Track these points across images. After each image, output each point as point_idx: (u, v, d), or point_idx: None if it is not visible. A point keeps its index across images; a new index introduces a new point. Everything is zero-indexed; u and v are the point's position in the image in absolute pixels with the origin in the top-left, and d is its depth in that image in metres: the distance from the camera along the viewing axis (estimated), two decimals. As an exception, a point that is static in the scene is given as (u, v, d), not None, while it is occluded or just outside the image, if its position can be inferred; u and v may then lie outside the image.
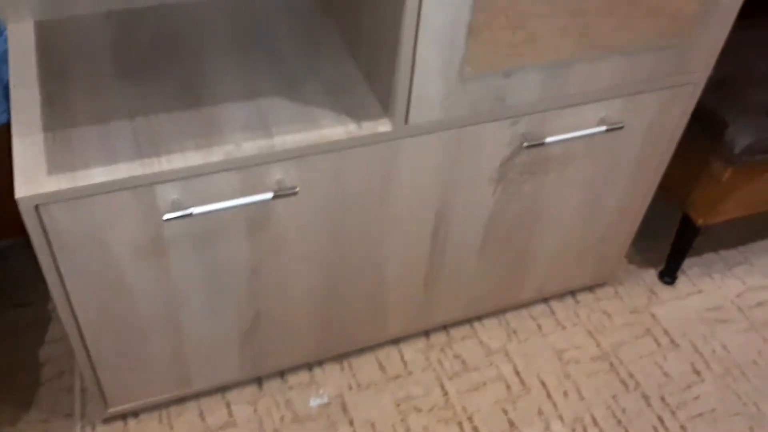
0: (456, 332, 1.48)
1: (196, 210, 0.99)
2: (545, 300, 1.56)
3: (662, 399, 1.41)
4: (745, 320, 1.56)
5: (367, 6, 1.04)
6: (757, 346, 1.51)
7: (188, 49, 1.14)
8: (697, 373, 1.46)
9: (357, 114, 1.06)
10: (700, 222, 1.48)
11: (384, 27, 0.99)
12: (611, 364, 1.46)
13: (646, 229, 1.70)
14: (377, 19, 1.01)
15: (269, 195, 1.02)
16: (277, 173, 1.02)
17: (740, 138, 1.34)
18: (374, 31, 1.04)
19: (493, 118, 1.10)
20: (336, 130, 1.03)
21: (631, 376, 1.44)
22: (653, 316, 1.55)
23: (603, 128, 1.17)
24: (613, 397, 1.41)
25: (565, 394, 1.40)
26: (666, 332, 1.52)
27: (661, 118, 1.24)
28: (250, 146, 0.99)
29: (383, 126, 1.04)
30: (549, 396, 1.40)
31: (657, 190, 1.41)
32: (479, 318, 1.51)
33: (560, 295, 1.57)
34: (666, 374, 1.45)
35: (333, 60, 1.14)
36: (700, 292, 1.61)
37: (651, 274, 1.63)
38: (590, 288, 1.59)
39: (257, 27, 1.20)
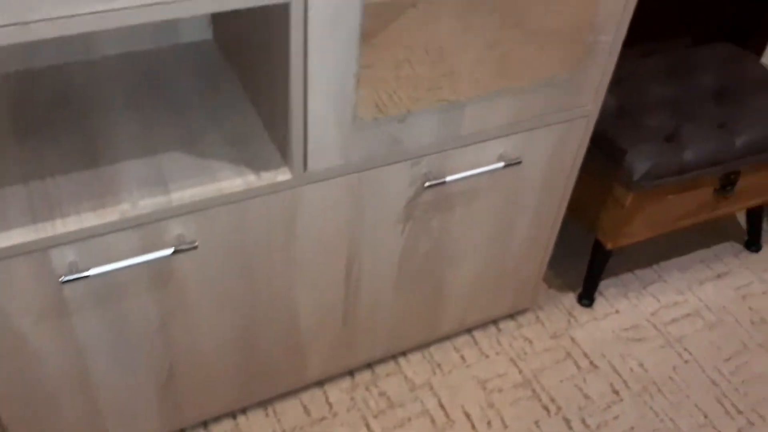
0: (380, 369, 1.49)
1: (94, 271, 0.99)
2: (468, 330, 1.58)
3: (583, 421, 1.44)
4: (661, 337, 1.60)
5: (261, 59, 1.06)
6: (673, 362, 1.56)
7: (88, 107, 1.13)
8: (616, 392, 1.50)
9: (256, 164, 1.06)
10: (609, 246, 1.53)
11: (276, 80, 1.01)
12: (533, 390, 1.48)
13: (563, 252, 1.75)
14: (270, 72, 1.03)
15: (169, 251, 1.02)
16: (177, 228, 1.02)
17: (638, 164, 1.39)
18: (269, 83, 1.05)
19: (392, 160, 1.12)
20: (234, 181, 1.03)
21: (553, 400, 1.47)
22: (573, 339, 1.58)
23: (501, 164, 1.20)
24: (536, 422, 1.43)
25: (489, 424, 1.42)
26: (585, 355, 1.56)
27: (559, 150, 1.28)
28: (147, 203, 0.99)
29: (282, 175, 1.06)
30: (473, 427, 1.41)
31: (570, 215, 1.45)
32: (404, 353, 1.52)
33: (482, 325, 1.59)
34: (586, 396, 1.48)
35: (234, 110, 1.15)
36: (617, 312, 1.65)
37: (570, 298, 1.67)
38: (512, 315, 1.62)
39: (158, 80, 1.20)
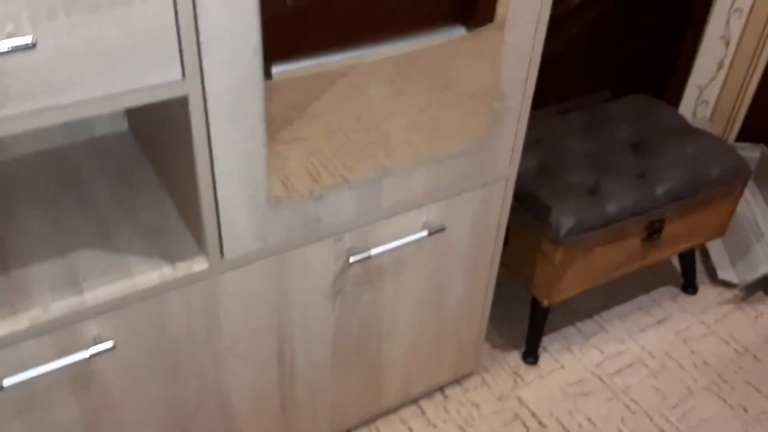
0: (327, 449, 1.45)
1: (8, 381, 0.94)
2: (414, 400, 1.55)
3: (536, 485, 1.42)
4: (607, 389, 1.60)
5: (171, 149, 1.05)
6: (621, 413, 1.55)
7: (-5, 209, 1.11)
8: (567, 451, 1.48)
9: (172, 255, 1.05)
10: (546, 302, 1.53)
11: (185, 169, 1.00)
12: (484, 457, 1.46)
13: (503, 310, 1.75)
14: (180, 162, 1.02)
15: (86, 354, 0.98)
16: (93, 329, 0.99)
17: (563, 220, 1.41)
18: (180, 173, 1.04)
19: (313, 239, 1.12)
20: (149, 275, 1.01)
21: (504, 465, 1.45)
22: (520, 399, 1.57)
23: (425, 233, 1.20)
24: (489, 491, 1.40)
25: (441, 496, 1.39)
26: (533, 414, 1.54)
27: (482, 213, 1.29)
28: (59, 307, 0.96)
29: (199, 264, 1.04)
30: (425, 502, 1.38)
31: (507, 273, 1.45)
32: (348, 431, 1.49)
33: (428, 393, 1.57)
34: (537, 458, 1.46)
35: (150, 201, 1.13)
36: (562, 367, 1.64)
37: (515, 356, 1.66)
38: (457, 380, 1.60)
39: (72, 176, 1.18)
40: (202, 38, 0.83)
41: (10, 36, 0.72)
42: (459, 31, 1.26)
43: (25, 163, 1.20)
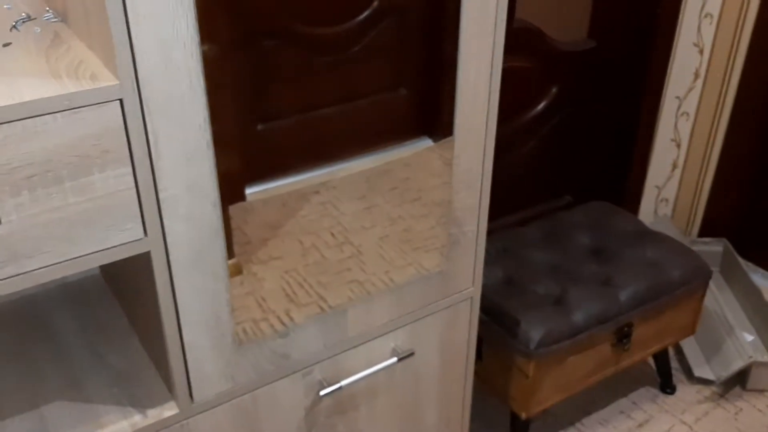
0: None
1: None
2: None
3: None
4: (594, 500, 1.58)
5: (140, 294, 1.07)
6: None
7: (-36, 365, 1.11)
8: None
9: (143, 402, 1.05)
10: (524, 415, 1.53)
11: (151, 315, 1.02)
12: None
13: (484, 425, 1.74)
14: (147, 307, 1.04)
15: None
16: (62, 485, 0.99)
17: (533, 332, 1.43)
18: (146, 318, 1.06)
19: (282, 374, 1.13)
20: (120, 425, 1.01)
21: None
22: None
23: (395, 359, 1.22)
24: None
25: None
26: None
27: (450, 333, 1.31)
28: (27, 465, 0.96)
29: (169, 410, 1.04)
30: None
31: (484, 390, 1.46)
32: None
33: None
34: None
35: (121, 346, 1.14)
36: (547, 480, 1.63)
37: (499, 472, 1.65)
38: (442, 501, 1.57)
39: (43, 324, 1.19)
40: (161, 196, 0.87)
41: (-26, 213, 0.76)
42: (426, 143, 1.32)
43: (-4, 314, 1.22)
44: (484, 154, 1.15)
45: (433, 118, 1.39)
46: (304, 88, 1.26)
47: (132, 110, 0.80)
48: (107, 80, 0.79)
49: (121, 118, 0.80)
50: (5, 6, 1.04)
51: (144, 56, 0.78)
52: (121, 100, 0.79)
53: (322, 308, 1.12)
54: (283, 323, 1.08)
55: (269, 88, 1.12)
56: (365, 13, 1.34)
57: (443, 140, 1.32)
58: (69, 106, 0.77)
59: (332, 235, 1.10)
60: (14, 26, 0.95)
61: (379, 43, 1.31)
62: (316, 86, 1.26)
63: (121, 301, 1.21)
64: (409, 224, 1.21)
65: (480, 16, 1.05)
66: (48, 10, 0.98)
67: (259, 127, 1.11)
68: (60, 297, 1.25)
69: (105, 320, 1.20)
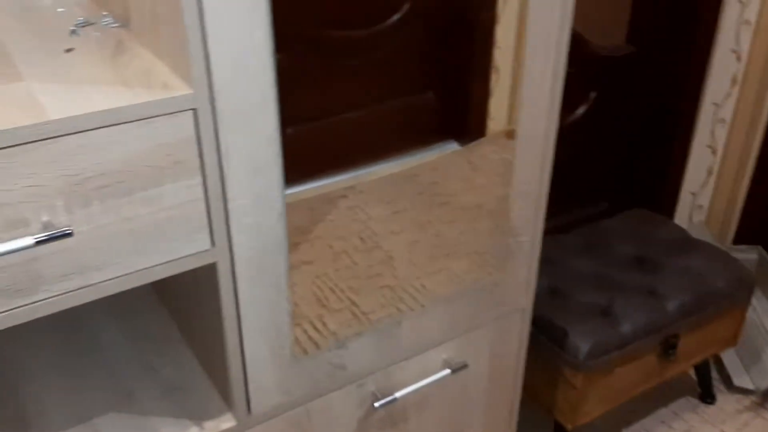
0: None
1: None
2: None
3: None
4: None
5: (195, 306, 1.06)
6: None
7: (18, 374, 1.10)
8: None
9: (199, 413, 1.03)
10: (570, 427, 1.51)
11: (211, 328, 1.00)
12: None
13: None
14: (205, 321, 1.03)
15: None
16: (120, 499, 0.97)
17: (581, 344, 1.41)
18: (204, 330, 1.05)
19: (337, 386, 1.11)
20: (177, 437, 1.00)
21: None
22: None
23: (448, 371, 1.20)
24: None
25: None
26: None
27: (501, 345, 1.29)
28: (86, 479, 0.94)
29: (226, 422, 1.02)
30: None
31: (527, 398, 1.44)
32: None
33: None
34: None
35: (171, 356, 1.13)
36: (590, 492, 1.61)
37: (540, 483, 1.62)
38: None
39: (91, 333, 1.18)
40: (229, 207, 0.86)
41: (46, 225, 0.74)
42: (452, 146, 1.31)
43: (42, 324, 1.20)
44: (543, 164, 1.13)
45: (461, 121, 1.37)
46: (333, 92, 1.24)
47: (205, 120, 0.79)
48: (179, 89, 0.77)
49: (193, 128, 0.78)
50: (59, 9, 1.02)
51: (219, 66, 0.77)
52: (195, 110, 0.77)
53: (354, 314, 1.11)
54: (316, 329, 1.07)
55: (298, 92, 1.11)
56: (395, 17, 1.32)
57: (470, 144, 1.31)
58: (142, 115, 0.75)
59: (361, 239, 1.09)
60: (74, 31, 0.94)
61: (408, 46, 1.30)
62: (344, 89, 1.25)
63: (171, 310, 1.20)
64: (438, 229, 1.19)
65: (544, 25, 1.03)
66: (105, 14, 0.97)
67: (288, 130, 1.10)
68: (107, 306, 1.24)
69: (154, 330, 1.18)
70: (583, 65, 1.82)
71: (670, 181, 2.16)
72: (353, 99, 1.26)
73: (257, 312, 0.95)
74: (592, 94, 1.87)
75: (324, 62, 1.18)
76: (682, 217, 2.25)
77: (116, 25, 0.94)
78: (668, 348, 1.54)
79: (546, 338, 1.46)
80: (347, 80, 1.23)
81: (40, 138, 0.70)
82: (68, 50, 0.87)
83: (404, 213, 1.15)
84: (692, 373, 1.89)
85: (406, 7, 1.28)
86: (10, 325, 0.76)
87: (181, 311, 1.14)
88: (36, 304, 0.77)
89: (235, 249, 0.89)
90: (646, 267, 1.61)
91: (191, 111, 0.77)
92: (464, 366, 1.22)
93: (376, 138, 1.25)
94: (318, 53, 1.18)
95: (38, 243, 0.73)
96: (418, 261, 1.12)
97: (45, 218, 0.74)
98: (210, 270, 0.90)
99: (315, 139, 1.13)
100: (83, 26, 0.95)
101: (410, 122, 1.30)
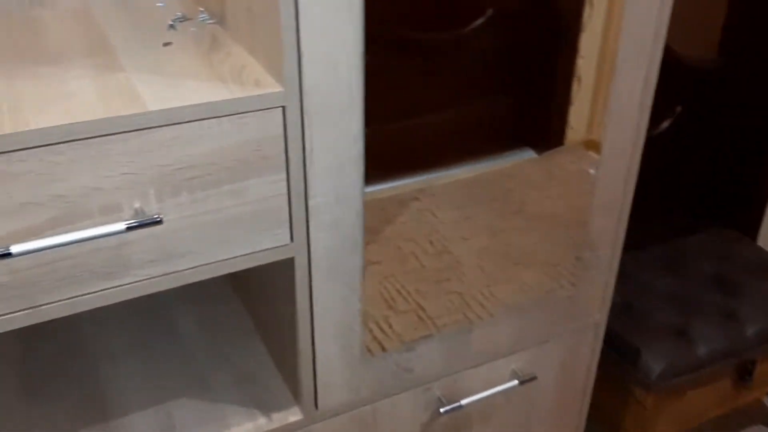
0: None
1: None
2: None
3: None
4: None
5: (268, 300, 1.08)
6: None
7: (94, 358, 1.14)
8: None
9: (267, 405, 1.05)
10: (636, 447, 1.47)
11: (284, 322, 1.02)
12: None
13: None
14: (278, 315, 1.04)
15: (180, 508, 0.98)
16: (188, 482, 1.00)
17: (654, 364, 1.37)
18: (277, 324, 1.06)
19: (404, 388, 1.11)
20: (245, 427, 1.02)
21: None
22: None
23: (516, 382, 1.19)
24: None
25: None
26: None
27: (572, 360, 1.27)
28: (157, 459, 0.97)
29: (294, 415, 1.04)
30: None
31: (593, 419, 1.41)
32: None
33: None
34: None
35: (244, 347, 1.15)
36: None
37: (602, 503, 1.59)
38: None
39: (166, 319, 1.21)
40: (310, 203, 0.87)
41: (137, 212, 0.77)
42: (528, 154, 1.29)
43: (118, 308, 1.24)
44: (627, 178, 1.11)
45: (538, 129, 1.35)
46: (410, 93, 1.24)
47: (293, 118, 0.80)
48: (271, 87, 0.78)
49: (282, 125, 0.80)
50: (158, 4, 1.06)
51: (310, 65, 0.78)
52: (284, 108, 0.79)
53: (420, 317, 1.10)
54: (382, 330, 1.07)
55: (377, 92, 1.11)
56: (479, 21, 1.31)
57: (547, 152, 1.28)
58: (235, 110, 0.77)
59: (431, 243, 1.08)
60: (171, 25, 0.97)
61: (489, 51, 1.28)
62: (422, 92, 1.25)
63: (245, 301, 1.22)
64: (510, 237, 1.18)
65: (638, 36, 1.00)
66: (202, 11, 0.99)
67: (365, 130, 1.10)
68: (183, 294, 1.27)
69: (228, 320, 1.21)
70: (671, 77, 1.77)
71: (755, 202, 2.08)
72: (431, 101, 1.25)
73: (330, 309, 0.96)
74: (678, 108, 1.82)
75: (403, 63, 1.18)
76: (765, 239, 2.16)
77: (212, 21, 0.97)
78: (744, 373, 1.49)
79: (617, 355, 1.42)
80: (426, 82, 1.23)
81: (139, 128, 0.72)
82: (166, 44, 0.90)
83: (476, 219, 1.14)
84: (766, 400, 1.82)
85: (489, 12, 1.28)
86: (99, 305, 0.79)
87: (254, 303, 1.16)
88: (124, 287, 0.80)
89: (313, 245, 0.90)
90: (726, 289, 1.56)
91: (281, 108, 0.79)
92: (533, 378, 1.20)
93: (452, 141, 1.25)
94: (398, 55, 1.19)
95: (129, 229, 0.75)
96: (488, 268, 1.11)
97: (137, 205, 0.77)
98: (287, 265, 0.92)
99: (389, 141, 1.13)
100: (181, 21, 0.98)
101: (486, 127, 1.29)
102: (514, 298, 1.13)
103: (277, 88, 0.78)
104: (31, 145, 0.69)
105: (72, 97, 0.75)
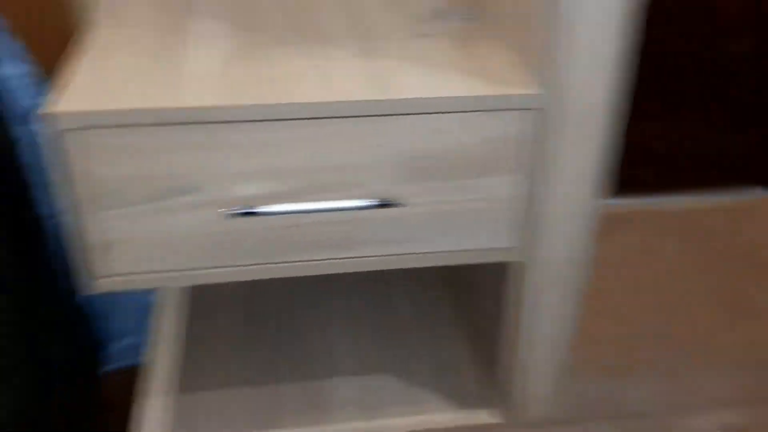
0: None
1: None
2: None
3: None
4: None
5: (483, 297, 1.08)
6: None
7: (314, 319, 1.21)
8: None
9: (467, 400, 1.05)
10: None
11: (497, 322, 1.01)
12: None
13: None
14: (490, 313, 1.04)
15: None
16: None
17: None
18: (488, 323, 1.06)
19: (607, 417, 1.06)
20: (442, 416, 1.03)
21: None
22: None
23: (726, 435, 1.09)
24: None
25: None
26: None
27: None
28: (347, 428, 1.02)
29: (492, 417, 1.03)
30: None
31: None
32: None
33: None
34: None
35: (451, 338, 1.15)
36: None
37: None
38: None
39: (381, 298, 1.25)
40: (544, 210, 0.84)
41: (375, 193, 0.80)
42: (758, 193, 1.16)
43: (341, 280, 1.30)
44: None
45: None
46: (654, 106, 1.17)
47: (544, 122, 0.79)
48: (527, 88, 0.78)
49: (531, 128, 0.79)
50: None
51: (572, 71, 0.76)
52: (537, 111, 0.78)
53: (630, 348, 1.04)
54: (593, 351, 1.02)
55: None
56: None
57: None
58: (485, 107, 0.77)
59: (642, 271, 1.02)
60: (431, 17, 0.99)
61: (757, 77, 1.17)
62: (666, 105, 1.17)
63: (457, 294, 1.23)
64: (735, 283, 1.06)
65: None
66: (462, 6, 1.00)
67: None
68: (400, 278, 1.30)
69: (439, 310, 1.22)
70: None
71: None
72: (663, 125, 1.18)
73: (549, 320, 0.94)
74: None
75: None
76: None
77: (471, 17, 0.98)
78: None
79: None
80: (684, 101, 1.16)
81: (392, 113, 0.75)
82: (424, 35, 0.93)
83: (689, 254, 1.06)
84: None
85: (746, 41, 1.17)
86: (328, 272, 0.84)
87: (467, 299, 1.17)
88: (354, 259, 0.84)
89: (541, 253, 0.88)
90: None
91: (534, 111, 0.78)
92: (746, 434, 1.09)
93: (674, 168, 1.17)
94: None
95: (368, 207, 0.79)
96: (707, 313, 1.03)
97: (376, 186, 0.80)
98: (508, 268, 0.91)
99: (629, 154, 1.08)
100: (440, 14, 1.00)
101: (714, 160, 1.19)
102: (735, 351, 1.03)
103: (533, 90, 0.77)
104: (300, 116, 0.75)
105: (336, 76, 0.80)
